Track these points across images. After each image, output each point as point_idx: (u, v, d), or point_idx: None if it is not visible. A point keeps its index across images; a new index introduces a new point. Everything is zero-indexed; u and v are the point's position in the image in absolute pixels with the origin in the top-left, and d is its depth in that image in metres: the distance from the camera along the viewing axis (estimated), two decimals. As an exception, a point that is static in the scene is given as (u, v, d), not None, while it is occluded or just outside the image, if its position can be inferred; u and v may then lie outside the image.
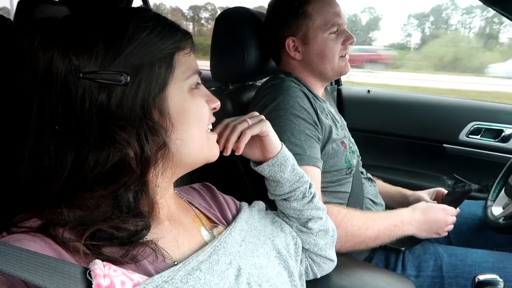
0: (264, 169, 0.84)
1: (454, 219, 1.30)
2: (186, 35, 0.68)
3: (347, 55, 1.36)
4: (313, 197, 0.89)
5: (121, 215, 0.59)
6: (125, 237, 0.58)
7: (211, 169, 0.77)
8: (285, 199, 0.87)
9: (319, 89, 1.39)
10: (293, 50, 1.33)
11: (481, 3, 1.07)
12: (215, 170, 0.81)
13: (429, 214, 1.26)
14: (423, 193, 1.51)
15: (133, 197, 0.61)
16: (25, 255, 0.48)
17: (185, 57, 0.67)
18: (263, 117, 0.84)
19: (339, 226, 1.09)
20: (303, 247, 0.91)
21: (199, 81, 0.72)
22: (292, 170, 0.85)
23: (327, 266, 0.98)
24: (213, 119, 0.75)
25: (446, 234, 1.29)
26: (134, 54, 0.60)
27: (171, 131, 0.65)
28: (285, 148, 0.86)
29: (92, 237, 0.57)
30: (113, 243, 0.58)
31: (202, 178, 0.88)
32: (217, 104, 0.74)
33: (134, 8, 0.69)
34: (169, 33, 0.65)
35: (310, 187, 0.89)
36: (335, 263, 0.99)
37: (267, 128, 0.82)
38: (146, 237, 0.62)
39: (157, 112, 0.63)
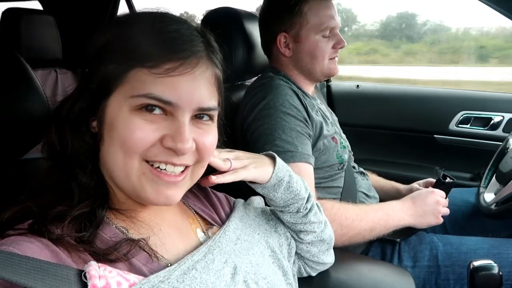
0: (256, 188, 0.81)
1: (445, 201, 1.31)
2: (168, 54, 0.60)
3: (336, 57, 1.36)
4: (309, 211, 0.85)
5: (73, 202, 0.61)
6: (89, 217, 0.61)
7: (208, 172, 0.75)
8: (279, 211, 0.86)
9: (309, 87, 1.40)
10: (283, 46, 1.34)
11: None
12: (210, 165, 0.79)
13: (417, 199, 1.28)
14: (415, 185, 1.53)
15: (77, 185, 0.63)
16: (16, 259, 0.48)
17: (149, 75, 0.59)
18: (246, 163, 0.78)
19: (333, 220, 1.10)
20: (296, 251, 0.90)
21: (166, 109, 0.61)
22: (287, 189, 0.80)
23: (322, 268, 0.97)
24: (168, 157, 0.62)
25: (441, 219, 1.29)
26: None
27: (101, 140, 0.64)
28: (279, 168, 0.80)
29: (77, 230, 0.58)
30: (86, 227, 0.59)
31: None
32: (175, 145, 0.60)
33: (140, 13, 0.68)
34: (143, 42, 0.61)
35: (307, 201, 0.84)
36: (331, 263, 0.99)
37: (247, 175, 0.76)
38: (134, 236, 0.63)
39: (99, 116, 0.64)
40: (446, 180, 1.39)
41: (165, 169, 0.63)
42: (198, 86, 0.63)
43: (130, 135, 0.60)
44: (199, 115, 0.65)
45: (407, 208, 1.26)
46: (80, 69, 0.69)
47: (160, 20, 0.63)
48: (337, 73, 1.39)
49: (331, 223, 0.97)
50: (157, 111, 0.61)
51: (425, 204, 1.26)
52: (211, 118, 0.67)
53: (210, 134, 0.66)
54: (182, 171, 0.65)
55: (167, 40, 0.61)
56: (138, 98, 0.60)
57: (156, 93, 0.59)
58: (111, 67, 0.61)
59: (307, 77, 1.37)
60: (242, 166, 0.77)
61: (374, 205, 1.31)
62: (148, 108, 0.60)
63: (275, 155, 0.83)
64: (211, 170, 0.74)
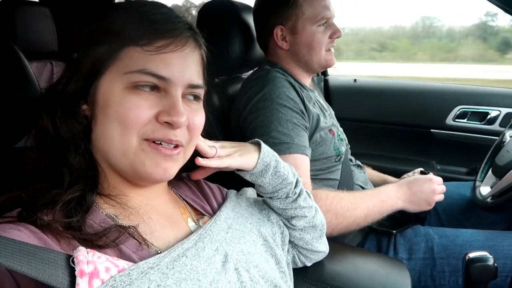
0: (244, 175, 0.82)
1: (442, 187, 1.31)
2: (160, 32, 0.63)
3: (332, 48, 1.36)
4: (298, 196, 0.85)
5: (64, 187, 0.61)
6: (79, 202, 0.61)
7: (197, 164, 0.76)
8: (268, 197, 0.86)
9: (306, 79, 1.40)
10: (280, 39, 1.33)
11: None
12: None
13: (414, 185, 1.27)
14: (406, 176, 1.52)
15: (68, 169, 0.63)
16: (3, 242, 0.48)
17: (142, 53, 0.62)
18: (231, 151, 0.79)
19: (328, 210, 1.09)
20: (289, 240, 0.90)
21: (160, 85, 0.64)
22: (274, 174, 0.81)
23: (316, 257, 0.97)
24: (165, 133, 0.64)
25: (432, 206, 1.28)
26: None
27: (93, 121, 0.65)
28: (264, 154, 0.80)
29: (66, 216, 0.58)
30: (76, 212, 0.59)
31: (188, 170, 0.87)
32: (171, 119, 0.62)
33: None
34: (134, 22, 0.64)
35: (296, 186, 0.85)
36: (326, 252, 0.99)
37: (232, 162, 0.77)
38: (123, 223, 0.63)
39: (90, 98, 0.65)
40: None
41: (161, 143, 0.65)
42: (188, 64, 0.66)
43: (127, 112, 0.62)
44: (187, 95, 0.68)
45: (401, 193, 1.26)
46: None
47: (149, 5, 0.67)
48: (333, 65, 1.39)
49: (326, 213, 0.96)
50: (150, 88, 0.63)
51: (421, 192, 1.26)
52: (198, 98, 0.70)
53: (199, 113, 0.70)
54: (176, 147, 0.67)
55: (158, 20, 0.64)
56: (133, 74, 0.62)
57: (150, 69, 0.62)
58: (103, 48, 0.63)
59: (304, 69, 1.37)
60: (227, 154, 0.78)
61: (369, 191, 1.31)
62: (142, 86, 0.63)
63: (260, 141, 0.83)
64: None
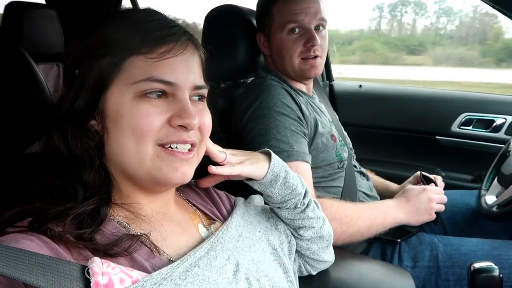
0: (254, 185, 0.82)
1: (441, 197, 1.30)
2: (161, 39, 0.64)
3: (313, 57, 1.30)
4: (306, 207, 0.85)
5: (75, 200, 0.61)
6: (91, 215, 0.60)
7: (206, 164, 0.76)
8: (277, 207, 0.86)
9: (299, 85, 1.39)
10: (263, 46, 1.37)
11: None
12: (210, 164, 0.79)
13: (410, 196, 1.27)
14: (406, 183, 1.52)
15: (82, 186, 0.63)
16: (18, 254, 0.48)
17: (146, 61, 0.63)
18: (242, 159, 0.80)
19: (333, 218, 1.10)
20: (296, 249, 0.90)
21: (167, 90, 0.65)
22: (283, 184, 0.81)
23: (322, 266, 0.97)
24: (179, 136, 0.65)
25: (434, 216, 1.27)
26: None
27: (105, 134, 0.65)
28: (274, 164, 0.81)
29: (78, 227, 0.58)
30: (88, 225, 0.59)
31: (197, 174, 0.87)
32: (184, 122, 0.64)
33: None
34: (133, 32, 0.64)
35: (304, 197, 0.85)
36: (332, 262, 0.99)
37: (243, 170, 0.77)
38: (135, 231, 0.64)
39: (99, 112, 0.64)
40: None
41: (176, 147, 0.66)
42: (190, 66, 0.68)
43: (140, 121, 0.62)
44: (193, 96, 0.69)
45: (401, 206, 1.26)
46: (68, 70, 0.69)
47: (142, 13, 0.69)
48: (314, 75, 1.34)
49: (332, 221, 0.96)
50: (158, 95, 0.64)
51: (418, 202, 1.26)
52: (202, 98, 0.72)
53: (206, 112, 0.72)
54: (190, 150, 0.68)
55: (157, 26, 0.65)
56: (141, 83, 0.63)
57: (157, 76, 0.63)
58: (105, 61, 0.63)
59: (287, 76, 1.37)
60: (238, 162, 0.78)
61: (370, 203, 1.31)
62: (151, 94, 0.63)
63: (271, 151, 0.83)
64: (209, 160, 0.76)
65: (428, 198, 1.26)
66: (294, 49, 1.29)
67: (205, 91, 0.72)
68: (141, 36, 0.64)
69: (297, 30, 1.28)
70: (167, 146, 0.65)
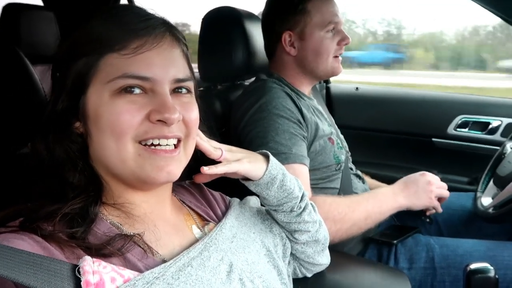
0: (250, 185, 0.81)
1: (439, 183, 1.31)
2: (133, 33, 0.62)
3: (340, 56, 1.36)
4: (302, 211, 0.84)
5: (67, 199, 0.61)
6: (81, 214, 0.60)
7: (201, 165, 0.75)
8: (272, 210, 0.85)
9: (306, 88, 1.40)
10: (288, 45, 1.33)
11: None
12: (206, 165, 0.78)
13: (408, 181, 1.28)
14: None
15: (68, 187, 0.63)
16: (8, 253, 0.48)
17: (120, 58, 0.62)
18: (240, 156, 0.78)
19: (326, 218, 1.08)
20: (290, 252, 0.89)
21: (145, 85, 0.63)
22: (280, 187, 0.80)
23: (317, 269, 0.97)
24: (159, 131, 0.63)
25: (435, 201, 1.29)
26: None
27: (88, 136, 0.65)
28: (272, 166, 0.79)
29: (69, 227, 0.58)
30: (79, 224, 0.59)
31: (192, 174, 0.87)
32: (163, 116, 0.61)
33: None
34: (107, 30, 0.63)
35: (301, 201, 0.84)
36: (327, 264, 0.98)
37: (240, 167, 0.76)
38: (128, 231, 0.63)
39: (81, 114, 0.64)
40: None
41: (159, 145, 0.64)
42: (169, 59, 0.65)
43: (117, 118, 0.61)
44: (177, 89, 0.67)
45: (399, 190, 1.26)
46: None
47: (119, 8, 0.68)
48: (340, 73, 1.38)
49: (325, 221, 0.96)
50: (136, 91, 0.62)
51: (417, 185, 1.27)
52: (189, 91, 0.69)
53: (192, 106, 0.69)
54: (176, 146, 0.66)
55: (128, 22, 0.64)
56: (116, 81, 0.61)
57: (132, 72, 0.61)
58: (81, 62, 0.63)
59: (308, 76, 1.37)
60: (235, 159, 0.77)
61: (365, 193, 1.32)
62: (128, 90, 0.62)
63: (269, 153, 0.83)
64: (204, 164, 0.74)
65: (427, 181, 1.27)
66: (331, 47, 1.32)
67: (189, 84, 0.69)
68: (113, 32, 0.62)
69: (333, 29, 1.32)
70: (149, 144, 0.63)
